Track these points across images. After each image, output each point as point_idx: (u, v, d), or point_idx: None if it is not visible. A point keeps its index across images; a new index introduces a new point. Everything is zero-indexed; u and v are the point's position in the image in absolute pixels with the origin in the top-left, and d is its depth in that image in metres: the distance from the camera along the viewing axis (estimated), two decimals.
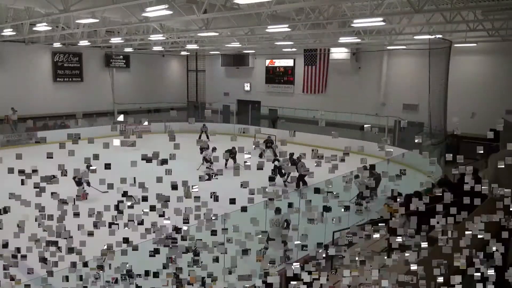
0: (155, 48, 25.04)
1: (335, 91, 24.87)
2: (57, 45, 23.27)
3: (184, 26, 15.44)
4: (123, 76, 29.15)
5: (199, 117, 28.61)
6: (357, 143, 21.58)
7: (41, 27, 14.63)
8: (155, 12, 10.75)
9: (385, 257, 5.55)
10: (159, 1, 10.48)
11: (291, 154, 14.89)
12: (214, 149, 17.49)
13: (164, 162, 4.95)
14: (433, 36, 15.70)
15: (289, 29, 14.35)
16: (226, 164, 17.55)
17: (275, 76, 28.11)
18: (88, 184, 13.28)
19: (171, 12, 11.00)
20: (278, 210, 8.42)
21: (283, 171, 14.97)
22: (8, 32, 17.07)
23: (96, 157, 5.25)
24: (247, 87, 29.72)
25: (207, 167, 17.06)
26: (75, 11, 11.12)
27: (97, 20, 13.21)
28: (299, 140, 23.57)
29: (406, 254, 6.35)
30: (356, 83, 23.93)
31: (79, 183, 13.16)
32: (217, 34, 16.32)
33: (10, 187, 5.47)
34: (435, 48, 16.63)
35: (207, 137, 24.00)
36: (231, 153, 17.73)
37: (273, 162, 15.59)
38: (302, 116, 25.37)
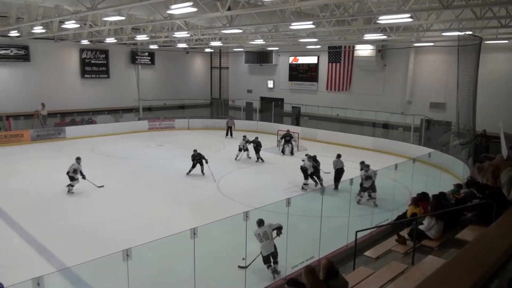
0: (180, 45, 25.26)
1: (359, 89, 24.55)
2: (84, 42, 23.83)
3: (208, 23, 15.51)
4: (148, 73, 29.59)
5: (222, 114, 28.76)
6: (381, 142, 21.34)
7: (70, 24, 14.96)
8: (179, 9, 10.83)
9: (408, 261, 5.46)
10: None
11: (311, 156, 14.77)
12: (244, 137, 18.90)
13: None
14: (462, 33, 15.24)
15: (313, 26, 14.19)
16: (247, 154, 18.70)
17: (298, 74, 27.93)
18: (84, 177, 13.59)
19: (195, 9, 11.05)
20: (261, 222, 7.99)
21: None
22: (38, 29, 17.54)
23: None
24: (270, 84, 29.68)
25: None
26: (102, 8, 11.33)
27: (123, 18, 13.41)
28: (322, 138, 23.45)
29: (431, 258, 6.21)
30: (381, 81, 23.53)
31: (72, 178, 13.31)
32: (241, 31, 16.31)
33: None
34: (464, 45, 16.16)
35: (231, 134, 24.13)
36: (255, 143, 18.20)
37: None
38: (325, 114, 25.17)
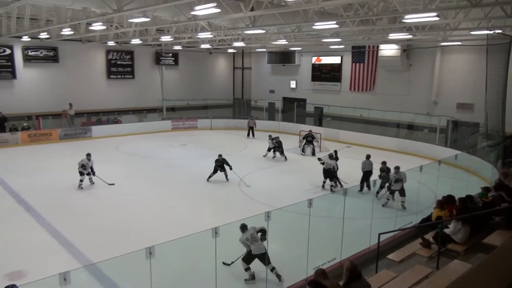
0: (203, 46, 25.49)
1: (383, 89, 24.18)
2: (111, 43, 24.36)
3: (232, 23, 15.59)
4: (172, 73, 29.97)
5: (245, 114, 28.84)
6: (406, 143, 20.95)
7: (97, 26, 15.31)
8: (203, 10, 10.93)
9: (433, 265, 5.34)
10: None
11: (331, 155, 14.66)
12: (270, 137, 19.41)
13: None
14: (491, 32, 14.80)
15: (337, 26, 14.07)
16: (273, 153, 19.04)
17: (321, 74, 27.74)
18: (93, 173, 14.27)
19: (219, 10, 11.14)
20: (244, 227, 7.91)
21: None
22: (66, 31, 18.04)
23: None
24: (293, 84, 29.59)
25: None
26: (128, 10, 11.55)
27: (148, 19, 13.65)
28: (345, 138, 23.22)
29: (457, 262, 6.06)
30: (406, 81, 23.11)
31: (81, 173, 13.91)
32: (263, 31, 16.34)
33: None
34: (493, 44, 15.67)
35: (253, 135, 24.22)
36: (277, 143, 18.41)
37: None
38: (348, 114, 24.91)
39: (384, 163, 13.46)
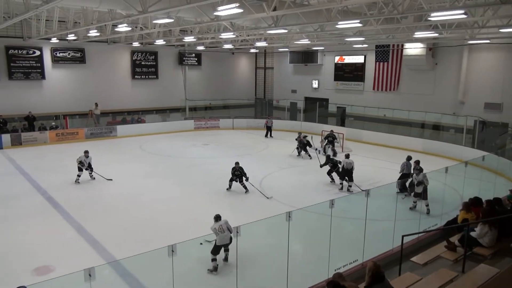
0: (225, 46, 25.64)
1: (408, 89, 23.73)
2: (135, 44, 24.81)
3: (254, 23, 15.62)
4: (195, 74, 30.27)
5: (266, 114, 28.86)
6: (431, 144, 20.51)
7: (122, 27, 15.61)
8: (226, 10, 10.99)
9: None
10: (230, 0, 10.70)
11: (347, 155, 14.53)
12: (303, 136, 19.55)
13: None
14: None
15: (360, 25, 13.89)
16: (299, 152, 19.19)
17: (344, 73, 27.46)
18: (92, 169, 15.09)
19: (241, 10, 11.17)
20: (217, 218, 8.53)
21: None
22: (93, 33, 18.48)
23: None
24: (315, 84, 29.41)
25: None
26: (152, 12, 11.73)
27: (172, 20, 13.81)
28: (368, 139, 22.93)
29: (483, 266, 5.90)
30: (431, 80, 22.61)
31: (80, 168, 14.79)
32: (286, 31, 16.29)
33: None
34: None
35: (270, 134, 24.23)
36: (301, 142, 18.45)
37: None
38: (371, 114, 24.57)
39: (417, 162, 13.02)
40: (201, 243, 8.63)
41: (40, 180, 14.89)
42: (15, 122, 22.13)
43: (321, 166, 15.24)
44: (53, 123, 22.87)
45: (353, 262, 7.71)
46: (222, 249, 8.42)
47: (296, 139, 19.33)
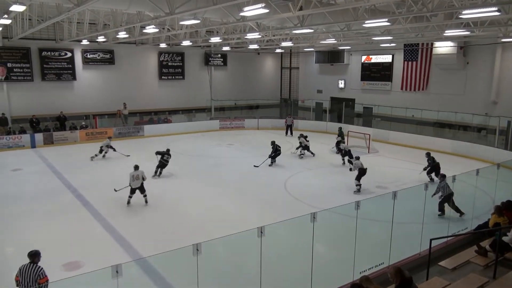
0: (251, 47, 25.69)
1: (437, 89, 23.14)
2: (162, 45, 25.21)
3: (280, 24, 15.59)
4: (220, 74, 30.49)
5: (291, 114, 28.71)
6: (461, 145, 19.93)
7: (150, 29, 15.89)
8: (252, 11, 11.00)
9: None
10: (256, 0, 10.71)
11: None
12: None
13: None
14: None
15: (388, 23, 13.64)
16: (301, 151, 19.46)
17: (371, 73, 27.04)
18: (114, 149, 18.59)
19: (267, 11, 11.16)
20: (136, 167, 12.56)
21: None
22: (122, 35, 18.89)
23: None
24: (341, 84, 29.09)
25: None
26: (179, 13, 11.89)
27: (199, 21, 13.93)
28: (395, 140, 22.50)
29: None
30: (462, 80, 21.97)
31: (100, 150, 18.50)
32: (312, 30, 16.17)
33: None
34: None
35: (291, 133, 24.10)
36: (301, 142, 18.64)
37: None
38: (399, 115, 24.09)
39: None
40: (115, 190, 12.71)
41: (70, 178, 15.34)
42: (47, 121, 22.90)
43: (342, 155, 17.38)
44: (83, 123, 23.53)
45: (380, 265, 7.58)
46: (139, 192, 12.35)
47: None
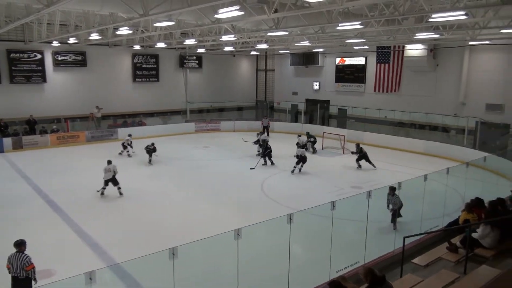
0: (226, 49, 25.66)
1: (409, 90, 23.72)
2: (136, 47, 24.84)
3: (255, 26, 15.63)
4: (196, 76, 30.30)
5: (267, 115, 28.83)
6: (433, 145, 20.48)
7: (123, 31, 15.63)
8: (227, 13, 10.99)
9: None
10: (231, 2, 10.71)
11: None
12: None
13: None
14: None
15: (361, 26, 13.89)
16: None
17: (345, 75, 27.47)
18: (131, 146, 19.65)
19: (242, 13, 11.17)
20: (109, 162, 13.55)
21: None
22: (94, 36, 18.51)
23: None
24: (316, 86, 29.41)
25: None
26: (153, 15, 11.75)
27: (173, 23, 13.81)
28: (369, 140, 22.89)
29: (485, 268, 5.87)
30: (433, 81, 22.60)
31: (124, 147, 19.56)
32: (287, 33, 16.30)
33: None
34: None
35: (267, 134, 24.19)
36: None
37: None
38: (372, 116, 24.55)
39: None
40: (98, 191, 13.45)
41: (41, 184, 14.90)
42: (16, 125, 22.15)
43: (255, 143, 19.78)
44: (54, 127, 22.89)
45: (355, 264, 7.69)
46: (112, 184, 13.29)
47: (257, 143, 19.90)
